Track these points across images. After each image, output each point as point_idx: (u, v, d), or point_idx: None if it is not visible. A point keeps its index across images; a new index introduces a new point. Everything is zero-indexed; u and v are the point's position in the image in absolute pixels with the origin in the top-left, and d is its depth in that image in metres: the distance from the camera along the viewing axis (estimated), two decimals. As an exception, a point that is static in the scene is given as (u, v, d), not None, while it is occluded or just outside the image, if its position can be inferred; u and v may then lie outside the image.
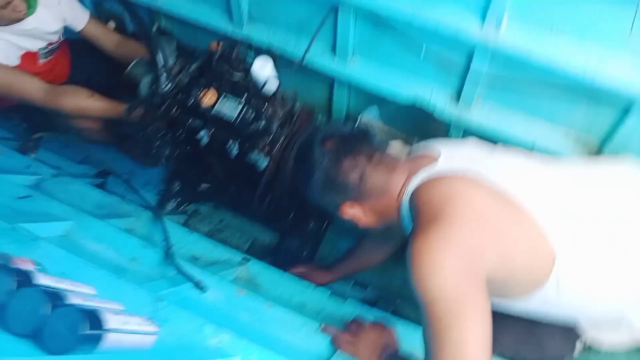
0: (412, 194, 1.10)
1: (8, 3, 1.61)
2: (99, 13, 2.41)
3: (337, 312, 1.46)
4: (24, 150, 2.10)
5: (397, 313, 1.54)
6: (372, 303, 1.76)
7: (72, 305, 0.78)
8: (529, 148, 1.75)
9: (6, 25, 1.71)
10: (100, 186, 2.10)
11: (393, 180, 1.12)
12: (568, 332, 1.25)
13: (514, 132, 1.78)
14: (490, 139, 1.80)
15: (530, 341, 1.28)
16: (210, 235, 2.08)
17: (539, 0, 1.46)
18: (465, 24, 1.58)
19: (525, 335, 1.27)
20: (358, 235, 1.69)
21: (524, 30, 1.54)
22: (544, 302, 1.06)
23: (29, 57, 1.84)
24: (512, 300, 1.11)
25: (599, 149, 1.71)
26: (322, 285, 1.65)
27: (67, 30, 1.99)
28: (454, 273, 0.91)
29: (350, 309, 1.45)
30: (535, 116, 1.77)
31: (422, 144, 1.26)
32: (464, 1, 1.57)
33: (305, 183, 1.16)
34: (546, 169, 1.17)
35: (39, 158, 2.09)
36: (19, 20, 1.71)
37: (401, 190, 1.12)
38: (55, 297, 0.76)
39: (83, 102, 1.78)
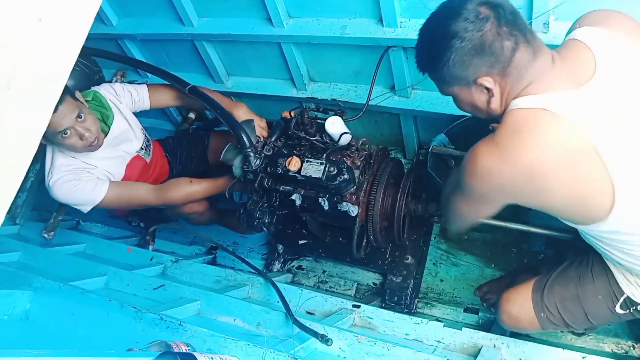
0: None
1: (68, 129, 1.61)
2: (180, 108, 2.68)
3: (454, 342, 1.48)
4: (143, 245, 2.39)
5: (515, 334, 1.50)
6: (486, 327, 1.75)
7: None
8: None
9: (104, 145, 1.79)
10: (212, 261, 2.32)
11: (532, 69, 1.06)
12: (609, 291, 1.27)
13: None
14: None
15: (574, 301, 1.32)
16: (317, 287, 2.20)
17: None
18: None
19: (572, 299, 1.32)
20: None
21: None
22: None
23: (136, 162, 2.03)
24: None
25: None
26: None
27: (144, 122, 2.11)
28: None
29: (467, 337, 1.47)
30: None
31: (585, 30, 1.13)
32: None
33: (447, 47, 1.07)
34: None
35: (156, 248, 2.36)
36: (98, 144, 1.75)
37: (529, 86, 1.06)
38: (216, 372, 0.89)
39: (186, 189, 1.97)
